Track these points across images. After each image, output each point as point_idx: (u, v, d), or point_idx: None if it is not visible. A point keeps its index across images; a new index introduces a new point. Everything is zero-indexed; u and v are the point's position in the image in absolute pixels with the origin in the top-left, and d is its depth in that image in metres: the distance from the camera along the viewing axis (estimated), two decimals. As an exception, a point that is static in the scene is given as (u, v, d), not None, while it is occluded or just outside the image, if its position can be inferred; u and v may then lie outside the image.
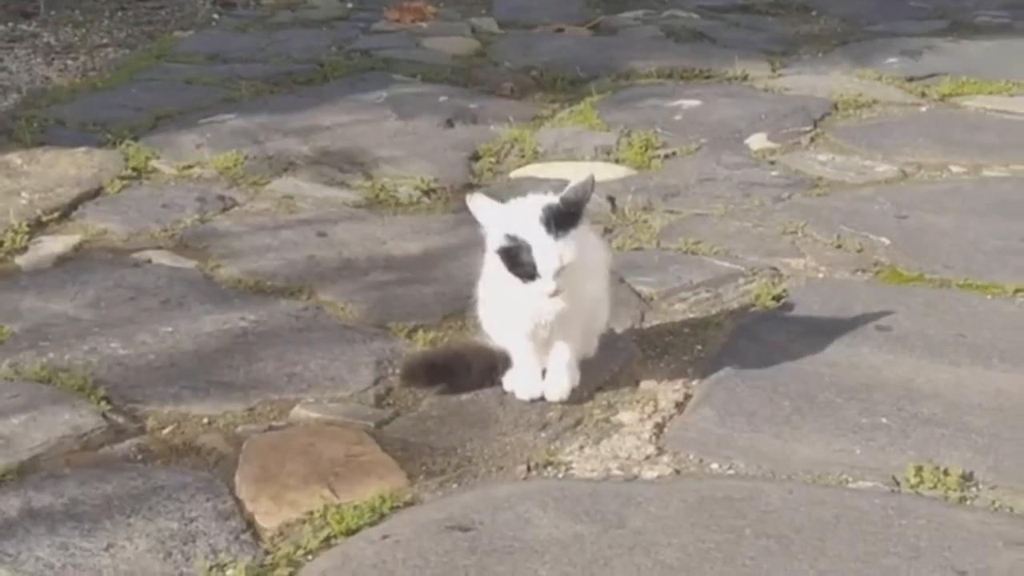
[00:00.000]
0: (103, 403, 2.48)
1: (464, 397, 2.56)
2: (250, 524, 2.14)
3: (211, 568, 2.00)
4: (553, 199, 2.36)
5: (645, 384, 2.63)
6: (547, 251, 2.31)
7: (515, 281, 2.35)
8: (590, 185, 2.38)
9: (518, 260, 2.33)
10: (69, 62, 5.24)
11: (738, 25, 6.09)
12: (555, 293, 2.34)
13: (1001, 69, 5.05)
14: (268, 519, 2.15)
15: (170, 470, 2.29)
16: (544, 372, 2.52)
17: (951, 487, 2.25)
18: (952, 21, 6.13)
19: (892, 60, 5.29)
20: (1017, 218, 3.53)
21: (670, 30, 5.90)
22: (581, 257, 2.36)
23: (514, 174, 3.95)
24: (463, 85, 4.94)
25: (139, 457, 2.34)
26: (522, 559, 2.01)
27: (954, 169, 4.02)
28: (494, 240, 2.36)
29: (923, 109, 4.67)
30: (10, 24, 5.73)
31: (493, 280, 2.45)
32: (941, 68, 5.12)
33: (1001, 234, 3.42)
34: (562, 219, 2.32)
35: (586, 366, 2.59)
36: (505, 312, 2.47)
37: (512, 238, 2.32)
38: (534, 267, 2.32)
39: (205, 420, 2.47)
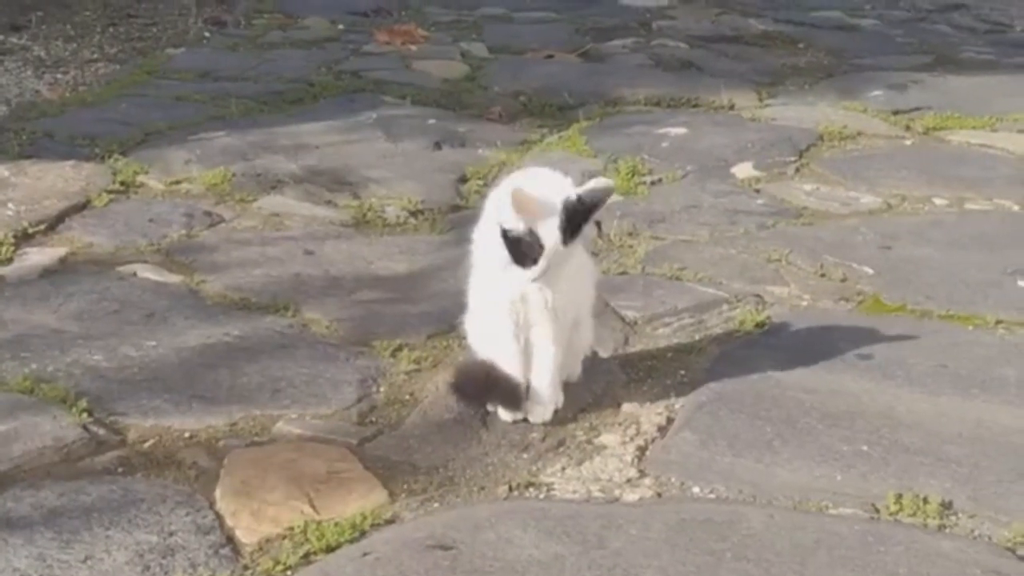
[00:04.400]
0: (85, 415, 2.47)
1: (448, 416, 2.56)
2: (230, 539, 2.13)
3: (190, 582, 2.00)
4: (570, 190, 2.35)
5: (628, 407, 2.64)
6: (554, 253, 2.32)
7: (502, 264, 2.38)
8: (607, 194, 2.40)
9: (522, 251, 2.34)
10: (59, 76, 5.24)
11: (726, 55, 6.13)
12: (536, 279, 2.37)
13: (985, 104, 5.11)
14: (248, 534, 2.15)
15: (150, 483, 2.29)
16: (528, 391, 2.52)
17: (930, 515, 2.26)
18: (937, 56, 6.20)
19: (877, 93, 5.33)
20: (999, 251, 3.57)
21: (658, 59, 5.94)
22: (570, 260, 2.39)
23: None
24: (452, 108, 4.96)
25: (119, 469, 2.33)
26: (502, 578, 2.01)
27: (937, 202, 4.05)
28: (506, 224, 2.34)
29: (907, 142, 4.71)
30: (1, 37, 5.73)
31: (481, 271, 2.48)
32: (926, 102, 5.17)
33: (983, 266, 3.45)
34: (575, 219, 2.33)
35: (569, 388, 2.61)
36: (488, 297, 2.48)
37: (532, 234, 2.31)
38: (535, 260, 2.33)
39: (187, 434, 2.47)
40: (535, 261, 2.33)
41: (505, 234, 2.34)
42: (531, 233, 2.32)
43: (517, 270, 2.36)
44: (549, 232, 2.32)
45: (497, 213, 2.37)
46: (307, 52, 5.78)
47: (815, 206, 3.95)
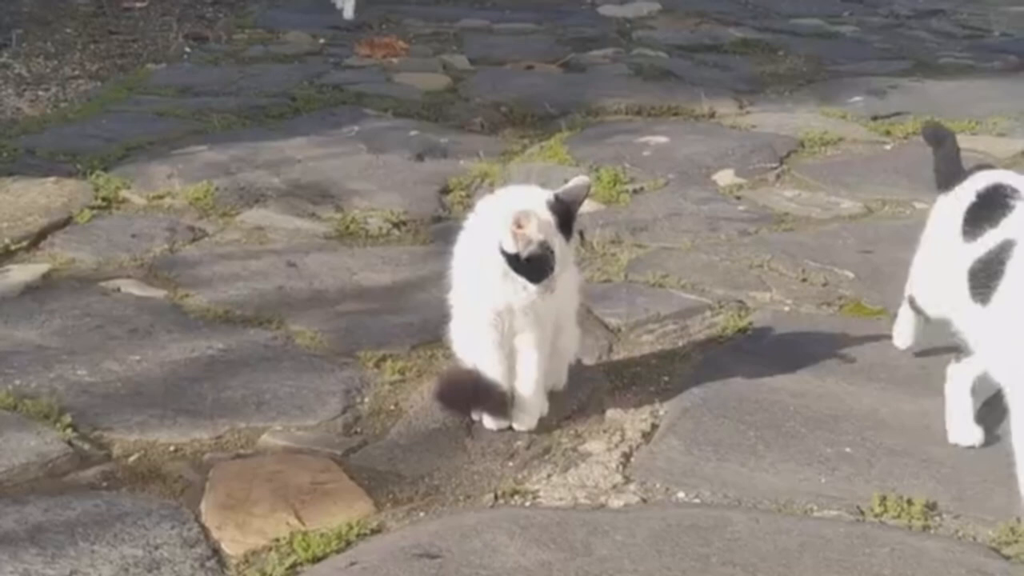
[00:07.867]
0: (69, 430, 2.47)
1: (433, 426, 2.57)
2: (216, 551, 2.13)
3: (176, 595, 1.99)
4: (548, 194, 2.42)
5: (612, 414, 2.64)
6: (564, 256, 2.40)
7: (493, 276, 2.41)
8: (585, 189, 2.46)
9: (543, 266, 2.38)
10: (40, 93, 5.23)
11: (706, 64, 6.16)
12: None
13: (963, 108, 5.13)
14: (234, 546, 2.15)
15: (135, 497, 2.28)
16: (513, 399, 2.53)
17: (915, 516, 2.28)
18: (916, 62, 6.23)
19: (857, 99, 5.36)
20: (979, 254, 3.58)
21: (639, 68, 5.95)
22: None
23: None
24: (434, 120, 4.97)
25: (104, 484, 2.33)
26: (489, 586, 2.01)
27: (918, 205, 4.06)
28: (511, 248, 2.37)
29: (887, 147, 4.73)
30: (-19, 55, 5.72)
31: (463, 279, 2.50)
32: (905, 107, 5.19)
33: (963, 269, 3.46)
34: (563, 217, 2.40)
35: (554, 396, 2.62)
36: (472, 306, 2.50)
37: (544, 245, 2.36)
38: (552, 271, 2.37)
39: (172, 448, 2.47)
40: (552, 269, 2.38)
41: (517, 257, 2.37)
42: (543, 245, 2.36)
43: (525, 284, 2.40)
44: (555, 239, 2.38)
45: (495, 242, 2.39)
46: (288, 66, 5.79)
47: (796, 212, 3.96)
